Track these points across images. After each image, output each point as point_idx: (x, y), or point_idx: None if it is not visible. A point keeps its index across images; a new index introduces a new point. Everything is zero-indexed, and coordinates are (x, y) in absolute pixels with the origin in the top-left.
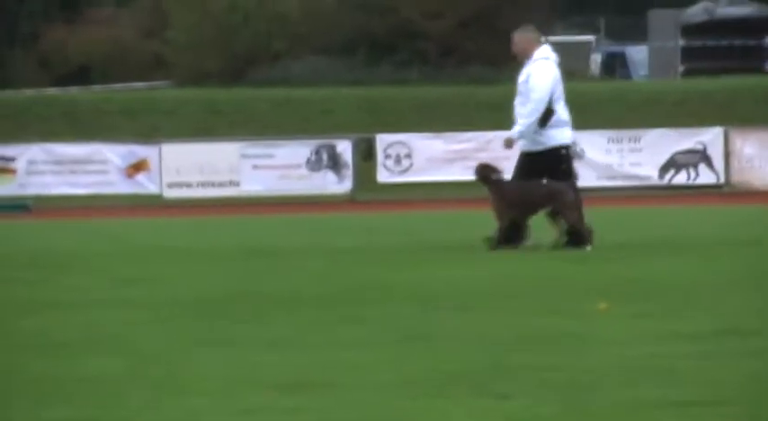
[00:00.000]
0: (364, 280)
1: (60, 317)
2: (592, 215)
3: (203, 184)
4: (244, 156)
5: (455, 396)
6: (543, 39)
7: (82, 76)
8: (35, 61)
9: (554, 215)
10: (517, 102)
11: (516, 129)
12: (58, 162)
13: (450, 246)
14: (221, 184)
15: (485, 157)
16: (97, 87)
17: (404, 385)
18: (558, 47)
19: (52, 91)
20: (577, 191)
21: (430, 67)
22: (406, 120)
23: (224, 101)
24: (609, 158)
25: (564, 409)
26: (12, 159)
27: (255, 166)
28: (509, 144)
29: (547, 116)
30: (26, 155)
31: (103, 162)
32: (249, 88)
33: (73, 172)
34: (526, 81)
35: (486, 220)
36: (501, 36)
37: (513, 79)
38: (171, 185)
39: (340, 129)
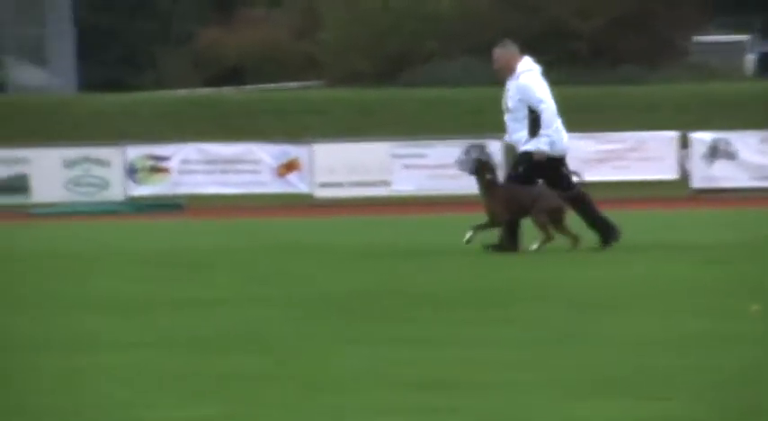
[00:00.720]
0: (513, 279)
1: (201, 313)
2: (745, 215)
3: (354, 184)
4: (395, 155)
5: (608, 397)
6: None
7: (235, 76)
8: (189, 62)
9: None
10: (508, 118)
11: (543, 140)
12: (211, 161)
13: (595, 246)
14: (372, 184)
15: (636, 157)
16: (249, 87)
17: (552, 385)
18: (711, 46)
19: (205, 91)
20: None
21: (580, 67)
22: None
23: (375, 101)
24: (763, 159)
25: (722, 410)
26: (166, 158)
27: (406, 166)
28: (541, 156)
29: (536, 123)
30: (180, 154)
31: (255, 162)
32: (400, 89)
33: (224, 171)
34: (518, 97)
35: (638, 221)
36: (654, 36)
37: (667, 79)
38: (322, 185)
39: (490, 129)
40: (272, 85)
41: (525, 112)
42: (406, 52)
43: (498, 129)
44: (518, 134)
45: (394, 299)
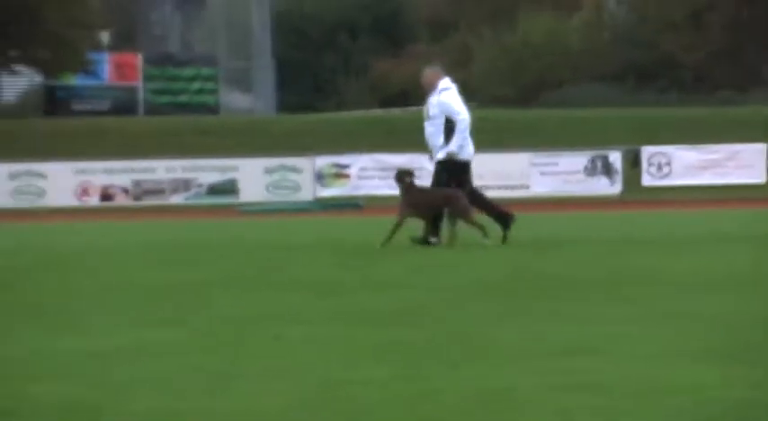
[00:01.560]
0: (630, 266)
1: (373, 295)
2: None
3: (500, 187)
4: (533, 164)
5: (709, 364)
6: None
7: (402, 99)
8: (365, 88)
9: (451, 217)
10: (427, 124)
11: (454, 143)
12: (383, 169)
13: (698, 239)
14: (514, 187)
15: (732, 166)
16: (413, 108)
17: (663, 355)
18: None
19: (378, 112)
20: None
21: (686, 92)
22: (666, 135)
23: (517, 120)
24: None
25: None
26: (347, 166)
27: (542, 172)
28: (452, 156)
29: (450, 131)
30: (358, 163)
31: (419, 168)
32: (538, 109)
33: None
34: (439, 109)
35: (732, 217)
36: (745, 66)
37: (756, 102)
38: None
39: (611, 142)
40: None
41: (442, 121)
42: (541, 79)
43: (617, 141)
44: (435, 139)
45: (533, 282)
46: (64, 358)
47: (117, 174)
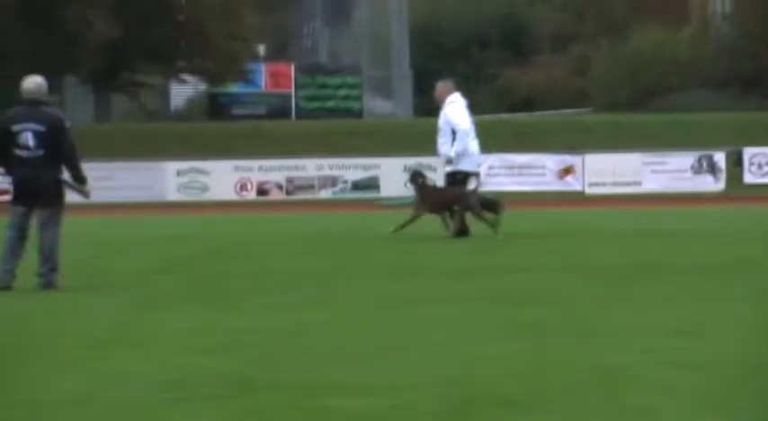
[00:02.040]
0: (732, 254)
1: (506, 278)
2: None
3: (614, 184)
4: (644, 163)
5: None
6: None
7: (527, 104)
8: (494, 94)
9: (456, 213)
10: (439, 134)
11: (454, 149)
12: (509, 167)
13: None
14: (628, 184)
15: None
16: (537, 113)
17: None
18: None
19: (505, 116)
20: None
21: None
22: (766, 136)
23: (630, 123)
24: None
25: None
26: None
27: (653, 171)
28: (450, 161)
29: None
30: (486, 162)
31: (542, 167)
32: (649, 114)
33: (520, 174)
34: (446, 120)
35: None
36: None
37: None
38: (591, 185)
39: (716, 144)
40: (554, 111)
41: (448, 131)
42: (652, 86)
43: (721, 143)
44: (443, 148)
45: (646, 269)
46: (226, 334)
47: (272, 171)
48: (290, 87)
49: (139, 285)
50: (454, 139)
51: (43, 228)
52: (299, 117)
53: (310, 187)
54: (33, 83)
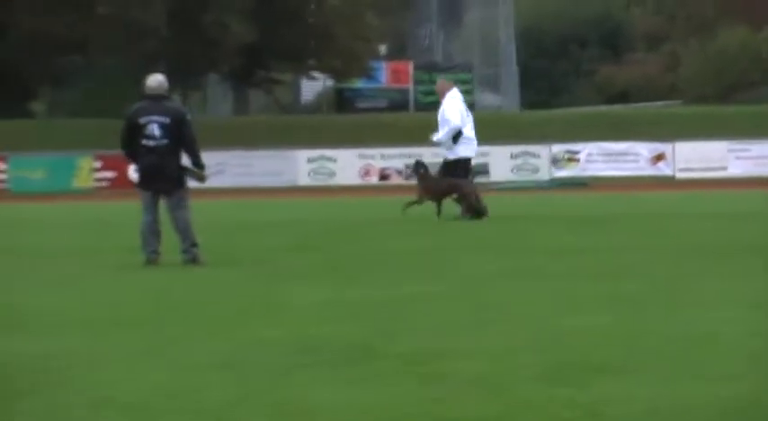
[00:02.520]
0: None
1: (603, 256)
2: None
3: (702, 169)
4: (730, 150)
5: None
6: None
7: (623, 98)
8: (592, 89)
9: (458, 199)
10: (440, 127)
11: (438, 136)
12: (606, 154)
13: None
14: (714, 169)
15: None
16: (632, 105)
17: None
18: None
19: (602, 108)
20: (473, 184)
21: None
22: None
23: (716, 114)
24: None
25: None
26: (577, 152)
27: (738, 157)
28: (432, 142)
29: (457, 135)
30: (586, 149)
31: (636, 154)
32: (734, 106)
33: (616, 160)
34: (442, 113)
35: None
36: None
37: None
38: (681, 170)
39: None
40: (647, 104)
41: (443, 124)
42: (737, 81)
43: None
44: (440, 136)
45: (729, 246)
46: (350, 306)
47: (392, 158)
48: (409, 83)
49: (273, 262)
50: (459, 133)
51: (173, 210)
52: (416, 109)
53: None
54: (156, 80)
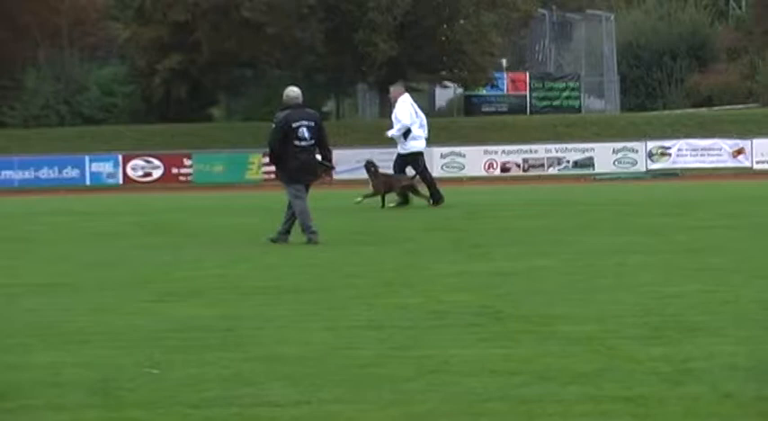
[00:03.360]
0: None
1: (694, 233)
2: None
3: None
4: None
5: None
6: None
7: (708, 101)
8: (682, 94)
9: (415, 192)
10: (394, 126)
11: (391, 132)
12: (694, 149)
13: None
14: None
15: None
16: (716, 108)
17: None
18: None
19: (690, 111)
20: (415, 177)
21: None
22: None
23: None
24: None
25: None
26: (669, 148)
27: None
28: (393, 136)
29: (407, 133)
30: (677, 145)
31: (719, 149)
32: None
33: (702, 155)
34: (395, 114)
35: None
36: None
37: None
38: (758, 162)
39: None
40: (729, 107)
41: (397, 124)
42: None
43: None
44: (393, 131)
45: None
46: (479, 277)
47: (512, 154)
48: (526, 90)
49: (414, 240)
50: (408, 131)
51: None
52: (532, 113)
53: (541, 165)
54: (296, 91)
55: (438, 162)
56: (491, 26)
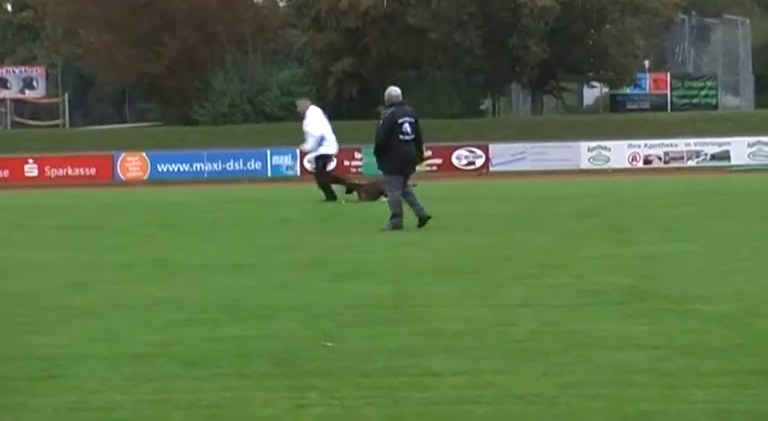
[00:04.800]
0: None
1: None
2: None
3: None
4: None
5: None
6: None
7: None
8: None
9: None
10: (306, 137)
11: (306, 146)
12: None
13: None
14: None
15: None
16: None
17: None
18: None
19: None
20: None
21: None
22: None
23: None
24: None
25: None
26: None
27: None
28: (304, 153)
29: (321, 141)
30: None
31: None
32: None
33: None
34: (305, 128)
35: None
36: None
37: None
38: None
39: None
40: None
41: (309, 135)
42: None
43: None
44: (308, 146)
45: None
46: (625, 259)
47: (654, 147)
48: (667, 89)
49: (561, 226)
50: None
51: (407, 187)
52: (672, 110)
53: (681, 158)
54: (396, 90)
55: (585, 155)
56: (635, 30)
